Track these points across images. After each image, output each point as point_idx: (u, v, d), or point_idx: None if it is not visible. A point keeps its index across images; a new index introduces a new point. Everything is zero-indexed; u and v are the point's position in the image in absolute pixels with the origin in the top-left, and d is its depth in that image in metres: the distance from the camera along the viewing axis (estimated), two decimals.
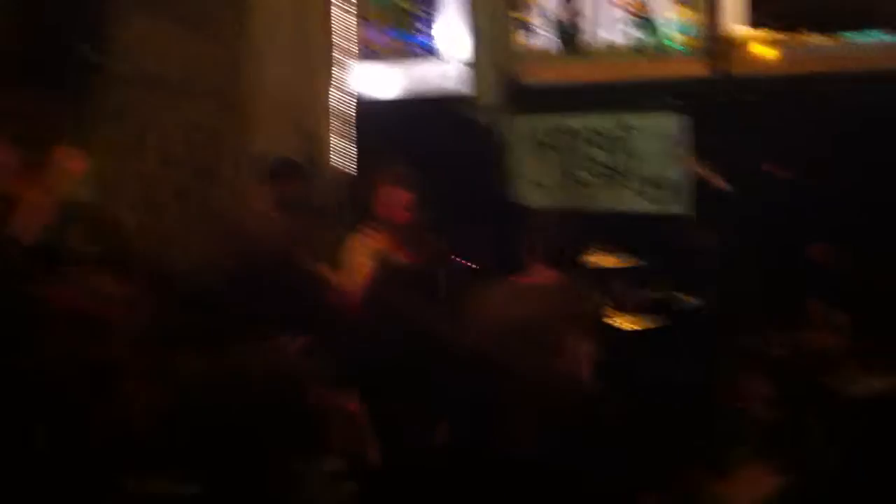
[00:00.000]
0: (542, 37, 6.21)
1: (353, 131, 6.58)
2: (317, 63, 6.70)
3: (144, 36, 5.99)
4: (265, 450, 1.83)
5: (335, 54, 6.68)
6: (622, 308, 4.90)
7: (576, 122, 6.05)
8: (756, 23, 4.95)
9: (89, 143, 5.78)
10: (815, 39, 5.34)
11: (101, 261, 3.00)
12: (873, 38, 5.24)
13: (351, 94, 6.65)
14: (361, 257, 4.42)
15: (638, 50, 5.91)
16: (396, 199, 4.42)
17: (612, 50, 5.98)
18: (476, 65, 6.33)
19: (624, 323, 4.76)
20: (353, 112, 6.60)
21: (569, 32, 6.12)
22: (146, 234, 5.36)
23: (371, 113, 6.46)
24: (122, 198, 5.80)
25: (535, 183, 6.15)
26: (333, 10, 6.69)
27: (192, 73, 6.26)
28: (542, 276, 3.21)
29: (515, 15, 6.25)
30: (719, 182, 5.08)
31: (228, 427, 1.83)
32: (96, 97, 5.53)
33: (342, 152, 6.56)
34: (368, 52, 6.76)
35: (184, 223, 5.94)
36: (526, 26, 6.24)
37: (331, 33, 6.70)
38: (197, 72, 6.30)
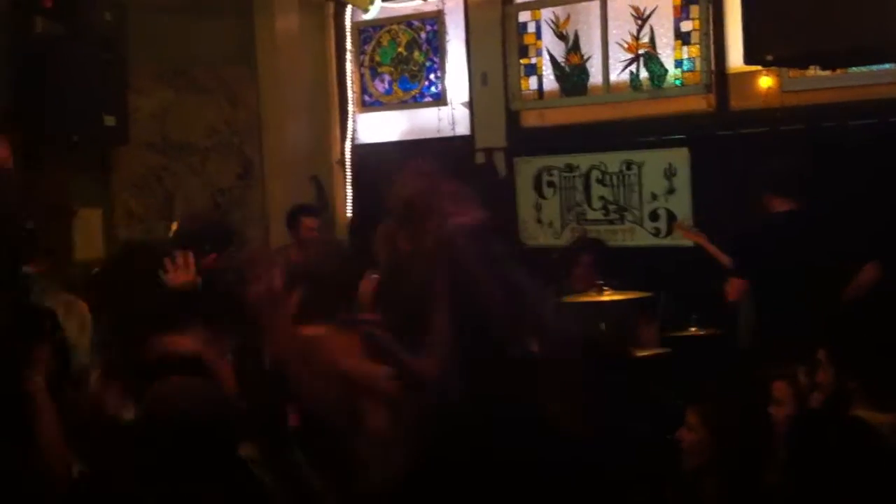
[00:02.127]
0: (548, 80, 6.37)
1: (356, 176, 6.79)
2: (329, 116, 6.95)
3: (167, 105, 6.26)
4: None
5: (347, 107, 6.93)
6: (635, 341, 5.01)
7: (580, 160, 6.20)
8: (758, 59, 5.03)
9: (116, 211, 6.08)
10: (816, 73, 5.41)
11: None
12: (874, 69, 5.30)
13: (356, 142, 6.89)
14: None
15: (642, 88, 6.05)
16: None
17: (615, 90, 6.13)
18: (481, 108, 6.49)
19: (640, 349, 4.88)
20: (356, 159, 6.84)
21: (574, 75, 6.28)
22: None
23: (374, 159, 6.66)
24: None
25: (541, 222, 6.31)
26: (345, 64, 6.95)
27: (215, 138, 6.51)
28: None
29: (522, 60, 6.43)
30: (715, 251, 5.16)
31: None
32: (122, 166, 5.77)
33: (350, 198, 6.81)
34: (376, 102, 6.99)
35: None
36: (532, 70, 6.41)
37: (343, 87, 6.96)
38: (219, 135, 6.55)
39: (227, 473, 2.25)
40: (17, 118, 5.23)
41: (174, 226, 4.56)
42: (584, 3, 6.19)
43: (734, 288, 4.82)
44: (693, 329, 5.10)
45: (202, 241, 4.03)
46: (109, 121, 5.42)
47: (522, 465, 2.17)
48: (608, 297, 4.81)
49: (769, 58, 4.91)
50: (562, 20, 6.29)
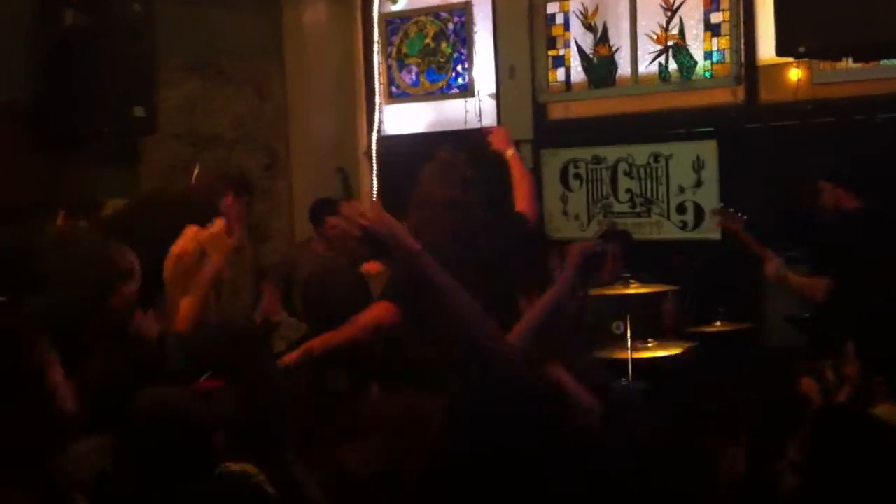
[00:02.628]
0: (576, 71, 6.34)
1: (381, 168, 6.79)
2: (356, 108, 6.94)
3: (195, 97, 6.28)
4: None
5: (374, 98, 6.93)
6: (660, 334, 4.99)
7: (608, 153, 6.17)
8: (790, 50, 4.97)
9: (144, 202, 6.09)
10: (848, 65, 5.35)
11: None
12: None
13: (383, 134, 6.89)
14: None
15: (671, 80, 6.00)
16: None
17: (643, 81, 6.08)
18: (508, 100, 6.46)
19: (664, 348, 4.85)
20: (383, 150, 6.83)
21: (602, 67, 6.24)
22: None
23: (401, 150, 6.66)
24: None
25: (567, 214, 6.28)
26: (372, 56, 6.94)
27: (241, 130, 6.52)
28: None
29: (550, 52, 6.39)
30: (752, 242, 5.04)
31: None
32: (150, 157, 5.80)
33: (376, 189, 6.81)
34: (403, 93, 6.98)
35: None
36: (560, 61, 6.38)
37: (370, 78, 6.96)
38: (246, 127, 6.57)
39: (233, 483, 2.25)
40: (46, 110, 5.28)
41: (196, 170, 4.58)
42: None
43: (818, 287, 4.70)
44: (720, 323, 5.05)
45: (223, 187, 4.16)
46: (139, 111, 5.43)
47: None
48: (634, 289, 4.78)
49: (801, 49, 4.86)
50: (590, 11, 6.25)
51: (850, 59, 5.11)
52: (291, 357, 3.25)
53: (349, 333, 3.33)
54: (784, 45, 4.81)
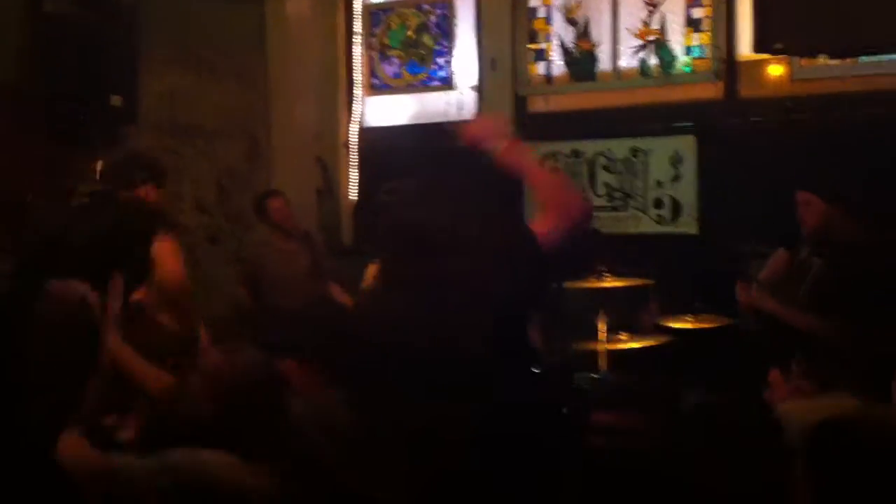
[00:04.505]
0: (557, 65, 6.35)
1: (362, 160, 6.80)
2: (337, 99, 6.94)
3: (176, 86, 6.27)
4: None
5: (355, 90, 6.93)
6: (633, 328, 5.00)
7: (586, 147, 6.18)
8: (767, 47, 4.98)
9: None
10: (827, 62, 5.37)
11: None
12: (885, 59, 5.25)
13: (364, 126, 6.88)
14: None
15: (650, 75, 6.02)
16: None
17: (624, 76, 6.10)
18: (489, 93, 6.47)
19: (635, 342, 4.87)
20: (364, 143, 6.83)
21: (584, 61, 6.25)
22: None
23: (382, 142, 6.66)
24: None
25: None
26: (354, 47, 6.94)
27: (223, 120, 6.51)
28: None
29: (532, 46, 6.41)
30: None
31: None
32: (130, 148, 5.79)
33: (356, 182, 6.81)
34: (385, 86, 6.98)
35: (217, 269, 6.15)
36: (541, 55, 6.39)
37: (351, 70, 6.96)
38: (227, 118, 6.55)
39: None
40: (25, 96, 5.27)
41: (98, 166, 4.47)
42: None
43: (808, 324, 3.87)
44: (695, 317, 5.07)
45: (135, 171, 3.93)
46: (116, 101, 5.43)
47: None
48: (609, 283, 4.80)
49: (779, 46, 4.88)
50: (573, 6, 6.26)
51: (827, 57, 5.13)
52: None
53: None
54: (761, 42, 4.83)
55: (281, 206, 5.83)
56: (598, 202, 6.13)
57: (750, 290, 4.21)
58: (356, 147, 6.88)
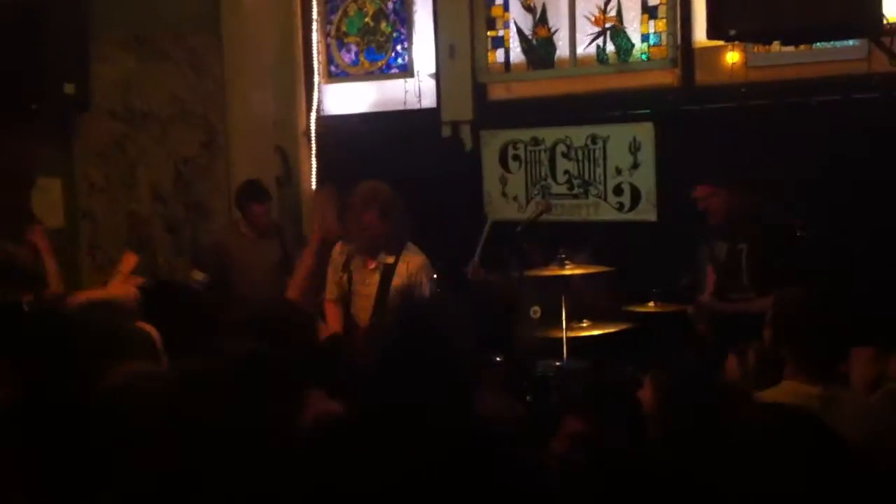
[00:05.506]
0: (515, 52, 6.35)
1: (321, 148, 6.75)
2: (295, 87, 6.88)
3: (130, 73, 6.18)
4: None
5: (313, 77, 6.87)
6: (592, 314, 5.03)
7: (546, 134, 6.19)
8: (721, 33, 5.01)
9: (78, 180, 6.00)
10: (781, 49, 5.42)
11: None
12: (839, 45, 5.31)
13: (323, 114, 6.84)
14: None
15: (608, 62, 6.04)
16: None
17: (582, 63, 6.12)
18: (448, 80, 6.45)
19: (595, 328, 4.91)
20: (322, 130, 6.79)
21: (541, 48, 6.26)
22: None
23: (341, 130, 6.63)
24: (115, 235, 5.98)
25: (506, 196, 6.30)
26: (311, 34, 6.88)
27: (178, 107, 6.44)
28: None
29: (490, 33, 6.40)
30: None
31: None
32: (84, 135, 5.70)
33: (314, 170, 6.77)
34: (343, 73, 6.94)
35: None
36: (499, 42, 6.38)
37: (309, 57, 6.90)
38: (182, 105, 6.48)
39: None
40: None
41: None
42: None
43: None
44: (654, 304, 5.11)
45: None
46: (69, 88, 5.35)
47: None
48: (569, 270, 4.82)
49: (732, 32, 4.89)
50: None
51: (780, 43, 5.18)
52: None
53: None
54: (715, 28, 4.84)
55: (263, 213, 5.84)
56: (558, 189, 6.15)
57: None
58: (315, 135, 6.84)
